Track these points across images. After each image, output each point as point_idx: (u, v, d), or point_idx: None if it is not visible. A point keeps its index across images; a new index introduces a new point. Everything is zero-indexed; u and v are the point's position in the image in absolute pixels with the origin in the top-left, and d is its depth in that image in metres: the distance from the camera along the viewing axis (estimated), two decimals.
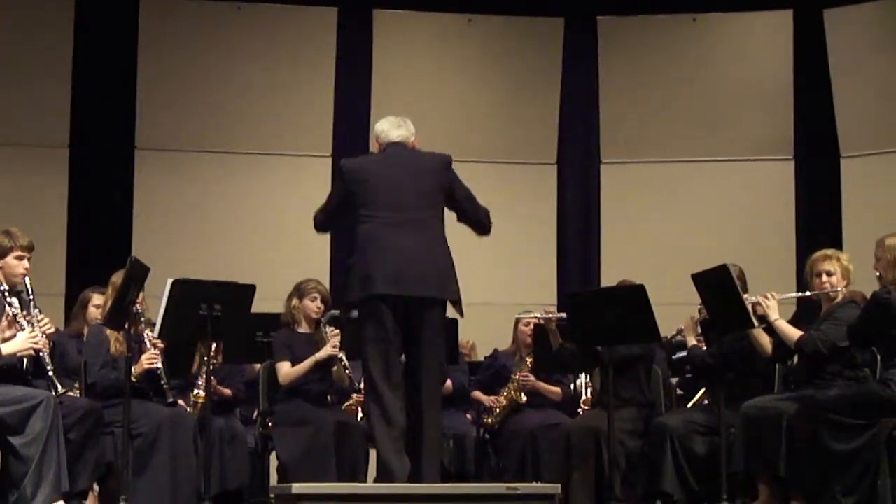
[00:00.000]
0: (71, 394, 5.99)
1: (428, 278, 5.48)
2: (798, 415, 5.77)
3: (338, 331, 6.78)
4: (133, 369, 5.98)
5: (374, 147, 5.86)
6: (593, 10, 10.03)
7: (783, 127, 9.75)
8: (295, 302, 6.92)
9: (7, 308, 5.60)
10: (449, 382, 7.26)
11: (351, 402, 7.30)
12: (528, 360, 7.33)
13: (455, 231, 5.74)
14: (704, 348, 6.55)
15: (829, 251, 6.22)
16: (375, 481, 5.61)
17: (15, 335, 5.56)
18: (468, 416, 7.74)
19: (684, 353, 6.75)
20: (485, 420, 7.45)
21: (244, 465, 6.74)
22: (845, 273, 6.12)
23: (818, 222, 9.65)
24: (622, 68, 9.98)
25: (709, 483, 6.13)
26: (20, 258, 5.70)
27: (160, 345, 6.16)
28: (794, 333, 6.04)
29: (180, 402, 6.46)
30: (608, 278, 9.30)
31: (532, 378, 7.30)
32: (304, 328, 6.91)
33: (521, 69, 9.99)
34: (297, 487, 5.25)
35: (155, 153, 9.58)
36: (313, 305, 6.88)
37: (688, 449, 6.24)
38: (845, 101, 9.56)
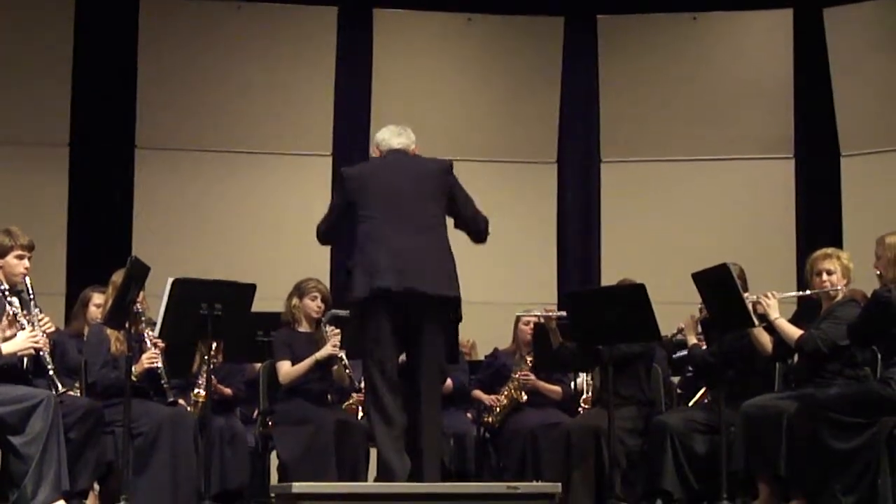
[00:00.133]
0: (71, 393, 5.99)
1: (429, 276, 5.48)
2: (798, 413, 5.77)
3: (338, 330, 6.78)
4: (133, 368, 5.98)
5: (374, 154, 5.87)
6: (593, 9, 10.02)
7: (783, 126, 9.75)
8: (295, 301, 6.92)
9: (7, 307, 5.60)
10: (449, 381, 7.25)
11: (351, 401, 7.30)
12: (529, 359, 7.34)
13: (456, 230, 5.74)
14: (705, 347, 6.55)
15: (830, 250, 6.22)
16: (376, 480, 5.61)
17: (15, 334, 5.57)
18: (468, 415, 7.74)
19: (684, 352, 6.75)
20: (485, 419, 7.46)
21: (244, 464, 6.74)
22: (845, 272, 6.12)
23: (818, 221, 9.64)
24: (622, 67, 9.97)
25: (709, 482, 6.13)
26: (20, 257, 5.70)
27: (160, 344, 6.15)
28: (794, 332, 6.04)
29: (181, 401, 6.46)
30: (608, 277, 9.30)
31: (532, 377, 7.31)
32: (304, 327, 6.92)
33: (521, 68, 9.99)
34: (298, 486, 5.25)
35: (155, 152, 9.58)
36: (313, 305, 6.89)
37: (688, 447, 6.25)
38: (845, 100, 9.56)
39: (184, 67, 9.61)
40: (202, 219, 9.57)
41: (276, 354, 6.82)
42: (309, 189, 9.23)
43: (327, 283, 7.61)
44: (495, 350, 7.83)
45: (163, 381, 6.16)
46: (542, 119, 9.98)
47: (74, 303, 7.21)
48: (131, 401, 5.85)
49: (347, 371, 6.83)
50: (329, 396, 6.97)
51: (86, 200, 9.43)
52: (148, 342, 6.15)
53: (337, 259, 9.10)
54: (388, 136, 5.77)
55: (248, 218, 9.61)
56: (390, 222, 5.52)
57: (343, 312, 6.71)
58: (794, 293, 6.66)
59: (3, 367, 5.53)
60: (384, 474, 5.42)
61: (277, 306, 7.03)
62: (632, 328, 6.25)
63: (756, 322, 6.10)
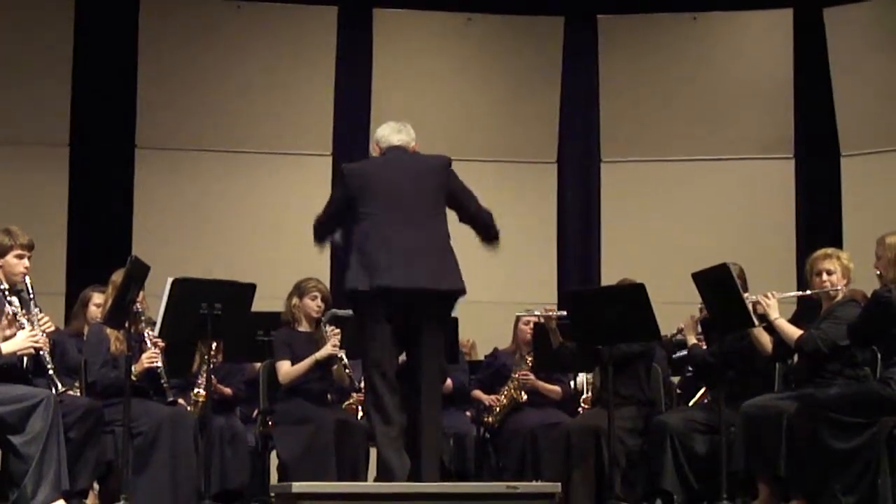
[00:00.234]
0: (71, 392, 5.99)
1: (429, 273, 5.47)
2: (798, 414, 5.77)
3: (338, 330, 6.78)
4: (133, 368, 5.98)
5: (374, 152, 5.86)
6: (593, 9, 10.02)
7: (783, 126, 9.75)
8: (295, 301, 6.92)
9: (7, 307, 5.60)
10: (449, 381, 7.25)
11: (351, 400, 7.30)
12: (529, 358, 7.34)
13: (455, 230, 5.74)
14: (704, 347, 6.55)
15: (829, 250, 6.22)
16: (376, 480, 5.61)
17: (15, 334, 5.56)
18: (468, 414, 7.74)
19: (684, 352, 6.75)
20: (485, 419, 7.45)
21: (244, 463, 6.74)
22: (845, 272, 6.12)
23: (818, 221, 9.64)
24: (622, 67, 9.97)
25: (709, 482, 6.13)
26: (20, 257, 5.70)
27: (160, 343, 6.15)
28: (794, 332, 6.04)
29: (180, 400, 6.46)
30: (608, 277, 9.30)
31: (532, 377, 7.31)
32: (304, 327, 6.92)
33: (521, 68, 9.99)
34: (298, 486, 5.25)
35: (155, 152, 9.58)
36: (313, 304, 6.89)
37: (688, 448, 6.25)
38: (845, 100, 9.56)
39: (184, 67, 9.61)
40: (202, 218, 9.57)
41: (275, 354, 6.82)
42: (309, 189, 9.21)
43: (327, 283, 7.61)
44: (495, 350, 7.83)
45: (162, 381, 6.16)
46: (542, 119, 9.98)
47: (74, 302, 7.21)
48: (131, 400, 5.85)
49: (347, 371, 6.83)
50: (329, 396, 6.97)
51: (86, 200, 9.43)
52: (148, 342, 6.15)
53: (337, 258, 9.10)
54: (388, 133, 5.77)
55: (249, 218, 9.61)
56: (390, 221, 5.51)
57: (343, 312, 6.72)
58: (793, 293, 6.65)
59: (3, 367, 5.53)
60: (384, 474, 5.42)
61: (277, 306, 7.02)
62: (632, 328, 6.25)
63: (756, 322, 6.10)
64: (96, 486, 6.21)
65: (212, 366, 6.30)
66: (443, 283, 5.50)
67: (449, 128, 9.40)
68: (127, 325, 6.00)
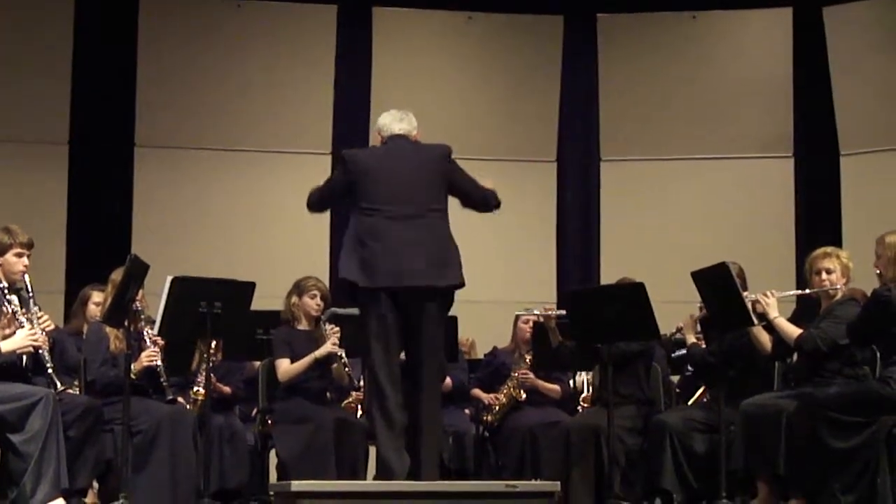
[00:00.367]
0: (70, 391, 5.98)
1: (429, 270, 5.46)
2: (797, 413, 5.77)
3: (337, 328, 6.78)
4: (132, 367, 5.98)
5: (375, 141, 5.86)
6: (593, 8, 10.02)
7: (783, 124, 9.75)
8: (294, 299, 6.92)
9: (6, 305, 5.60)
10: (448, 380, 7.25)
11: (350, 399, 7.30)
12: (528, 357, 7.34)
13: (456, 229, 5.73)
14: (704, 346, 6.54)
15: (829, 249, 6.21)
16: (375, 478, 5.61)
17: (14, 332, 5.56)
18: (467, 412, 7.73)
19: (683, 351, 6.75)
20: (484, 418, 7.46)
21: (244, 462, 6.74)
22: (845, 271, 6.11)
23: (818, 220, 9.65)
24: (622, 66, 9.97)
25: (708, 481, 6.13)
26: (20, 255, 5.69)
27: (160, 342, 6.15)
28: (793, 331, 6.04)
29: (180, 399, 6.46)
30: (608, 276, 9.30)
31: (531, 375, 7.31)
32: (303, 325, 6.91)
33: (521, 67, 9.99)
34: (297, 485, 5.25)
35: (154, 151, 9.58)
36: (313, 303, 6.89)
37: (687, 446, 6.24)
38: (845, 99, 9.56)
39: (183, 66, 9.61)
40: (201, 217, 9.57)
41: (275, 352, 6.82)
42: (308, 187, 9.14)
43: (327, 281, 7.60)
44: (494, 349, 7.83)
45: (162, 380, 6.16)
46: (541, 118, 9.98)
47: (74, 301, 7.21)
48: (130, 399, 5.85)
49: (347, 369, 6.82)
50: (328, 395, 6.96)
51: (85, 199, 9.43)
52: (147, 340, 6.15)
53: (337, 257, 9.09)
54: (390, 122, 5.76)
55: (248, 216, 9.61)
56: (390, 213, 5.50)
57: (343, 311, 6.72)
58: (793, 292, 6.65)
59: (3, 366, 5.53)
60: (383, 473, 5.41)
61: (277, 304, 7.02)
62: (631, 327, 6.25)
63: (755, 321, 6.10)
64: (95, 484, 6.21)
65: (211, 364, 6.30)
66: (441, 280, 5.49)
67: (448, 126, 9.36)
68: (126, 323, 6.00)
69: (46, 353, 5.60)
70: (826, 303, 6.14)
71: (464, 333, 7.81)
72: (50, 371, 5.58)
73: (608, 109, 10.00)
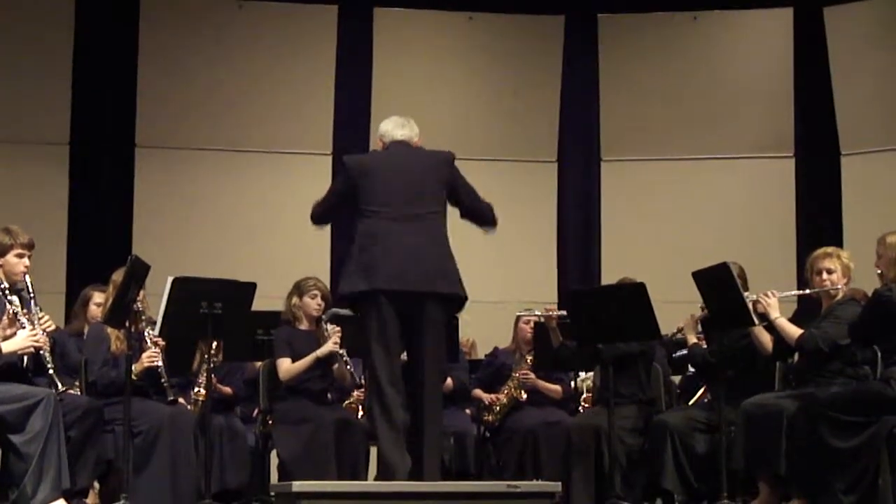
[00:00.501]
0: (71, 392, 5.99)
1: (430, 274, 5.47)
2: (798, 413, 5.77)
3: (338, 328, 6.78)
4: (133, 367, 5.98)
5: (377, 146, 5.86)
6: (594, 8, 10.03)
7: (783, 125, 9.75)
8: (295, 300, 6.92)
9: (7, 306, 5.59)
10: (449, 380, 7.25)
11: (351, 399, 7.30)
12: (529, 357, 7.33)
13: (455, 229, 5.74)
14: (705, 346, 6.54)
15: (830, 249, 6.22)
16: (376, 479, 5.61)
17: (15, 333, 5.56)
18: (468, 413, 7.73)
19: (684, 352, 6.74)
20: (485, 418, 7.45)
21: (244, 463, 6.75)
22: (846, 271, 6.12)
23: (818, 220, 9.64)
24: (622, 66, 9.97)
25: (709, 481, 6.13)
26: (20, 256, 5.70)
27: (160, 343, 6.15)
28: (794, 331, 6.04)
29: (181, 400, 6.45)
30: (608, 276, 9.30)
31: (532, 375, 7.31)
32: (304, 326, 6.91)
33: (522, 67, 9.99)
34: (298, 485, 5.24)
35: (155, 151, 9.58)
36: (313, 303, 6.89)
37: (688, 447, 6.24)
38: (845, 99, 9.56)
39: (184, 67, 9.61)
40: (202, 217, 9.57)
41: (276, 352, 6.82)
42: (309, 188, 9.14)
43: (327, 282, 7.61)
44: (495, 349, 7.83)
45: (163, 380, 6.16)
46: (542, 118, 9.98)
47: (74, 301, 7.21)
48: (131, 399, 5.85)
49: (349, 368, 6.82)
50: (329, 395, 6.96)
51: (86, 199, 9.43)
52: (148, 341, 6.15)
53: (337, 257, 9.11)
54: (392, 128, 5.76)
55: (249, 217, 9.61)
56: (391, 218, 5.50)
57: (343, 311, 6.71)
58: (794, 292, 6.65)
59: (4, 366, 5.52)
60: (384, 473, 5.41)
61: (277, 305, 7.02)
62: (632, 327, 6.25)
63: (756, 321, 6.10)
64: (96, 485, 6.21)
65: (212, 365, 6.30)
66: (441, 285, 5.50)
67: (449, 126, 9.39)
68: (127, 324, 6.00)
69: (47, 354, 5.60)
70: (827, 303, 6.14)
71: (464, 334, 7.82)
72: (51, 372, 5.58)
73: (608, 110, 10.00)
